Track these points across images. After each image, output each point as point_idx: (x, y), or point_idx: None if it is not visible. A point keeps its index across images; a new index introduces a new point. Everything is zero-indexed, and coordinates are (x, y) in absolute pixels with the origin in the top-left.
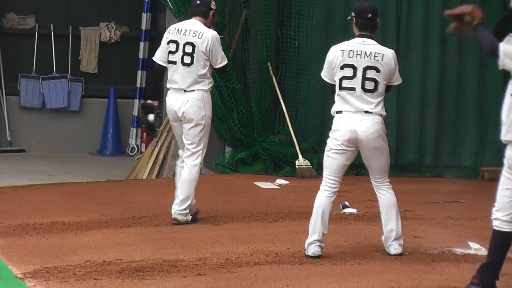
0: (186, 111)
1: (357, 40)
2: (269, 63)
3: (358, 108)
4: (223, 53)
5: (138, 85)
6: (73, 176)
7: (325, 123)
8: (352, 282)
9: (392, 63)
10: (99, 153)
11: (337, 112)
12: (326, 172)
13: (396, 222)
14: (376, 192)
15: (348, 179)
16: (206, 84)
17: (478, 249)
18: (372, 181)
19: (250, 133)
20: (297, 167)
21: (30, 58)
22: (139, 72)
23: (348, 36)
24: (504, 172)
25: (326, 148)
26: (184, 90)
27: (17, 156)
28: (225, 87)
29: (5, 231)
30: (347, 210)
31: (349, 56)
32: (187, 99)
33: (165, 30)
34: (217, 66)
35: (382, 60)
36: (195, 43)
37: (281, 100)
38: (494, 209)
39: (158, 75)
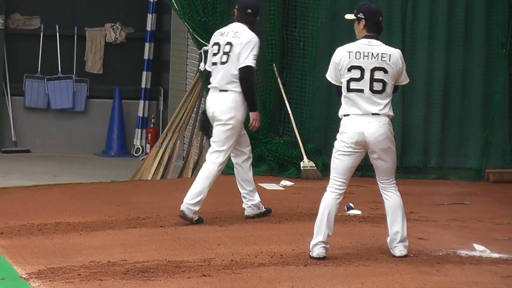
0: (215, 110)
1: (364, 41)
2: (274, 65)
3: (365, 111)
4: (254, 56)
5: (143, 86)
6: (78, 177)
7: (330, 124)
8: (357, 283)
9: (399, 63)
10: (104, 154)
11: (345, 115)
12: (333, 174)
13: (402, 224)
14: (382, 194)
15: (353, 180)
16: (239, 86)
17: (483, 251)
18: (378, 183)
19: (255, 134)
20: (302, 168)
21: (35, 59)
22: (144, 73)
23: (354, 37)
24: None
25: (334, 150)
26: (220, 90)
27: (22, 157)
28: None
29: (10, 232)
30: (352, 212)
31: (356, 58)
32: (219, 99)
33: (170, 31)
34: (240, 65)
35: (389, 61)
36: (233, 43)
37: (286, 102)
38: None
39: (208, 77)
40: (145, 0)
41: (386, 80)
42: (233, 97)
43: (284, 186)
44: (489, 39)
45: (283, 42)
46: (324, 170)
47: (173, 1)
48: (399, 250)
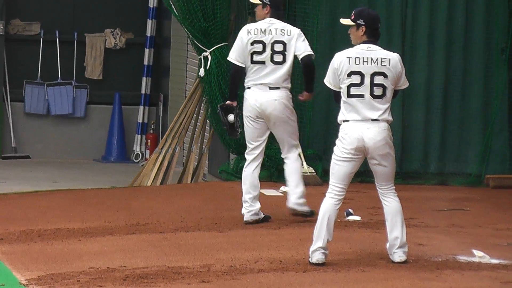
0: (275, 109)
1: (362, 46)
2: None
3: (365, 117)
4: (307, 44)
5: (143, 91)
6: (78, 183)
7: (330, 130)
8: None
9: (399, 67)
10: (103, 160)
11: (344, 121)
12: (333, 180)
13: (401, 229)
14: (382, 200)
15: (353, 186)
16: (289, 82)
17: (482, 256)
18: (377, 188)
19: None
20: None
21: (35, 65)
22: (144, 79)
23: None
24: None
25: (333, 156)
26: (270, 88)
27: (22, 163)
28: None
29: (10, 237)
30: (351, 217)
31: (355, 63)
32: (274, 97)
33: (170, 37)
34: (304, 54)
35: (389, 65)
36: (285, 41)
37: None
38: None
39: (237, 76)
40: (145, 5)
41: (386, 85)
42: (286, 94)
43: (284, 192)
44: (489, 44)
45: None
46: (323, 175)
47: (173, 6)
48: (398, 255)
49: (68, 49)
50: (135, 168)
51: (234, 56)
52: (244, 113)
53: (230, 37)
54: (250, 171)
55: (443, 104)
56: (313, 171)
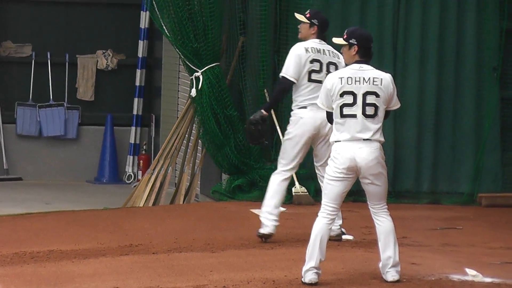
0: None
1: (355, 66)
2: (265, 90)
3: (357, 137)
4: None
5: (135, 112)
6: (70, 204)
7: None
8: None
9: (390, 87)
10: (96, 181)
11: (336, 141)
12: (325, 200)
13: (393, 249)
14: (374, 219)
15: (345, 205)
16: None
17: (475, 275)
18: (370, 208)
19: (247, 160)
20: (294, 194)
21: (27, 86)
22: (135, 100)
23: None
24: None
25: (326, 176)
26: None
27: (14, 185)
28: (222, 114)
29: (2, 260)
30: (344, 237)
31: (348, 83)
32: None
33: (162, 58)
34: None
35: (381, 84)
36: (336, 63)
37: (278, 127)
38: None
39: (286, 92)
40: (137, 26)
41: (378, 104)
42: None
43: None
44: (481, 63)
45: (275, 68)
46: (316, 195)
47: (165, 27)
48: (391, 275)
49: (59, 71)
50: (127, 189)
51: (291, 73)
52: (293, 131)
53: (222, 58)
54: (285, 187)
55: (435, 123)
56: (306, 190)
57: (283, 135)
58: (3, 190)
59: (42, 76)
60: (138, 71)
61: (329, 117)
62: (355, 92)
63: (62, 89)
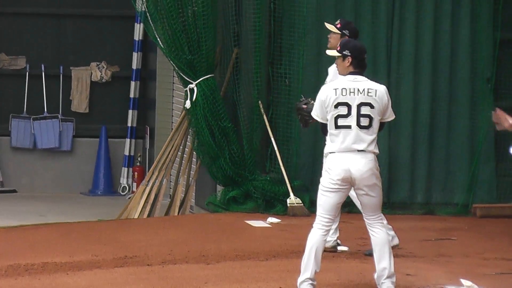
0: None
1: (349, 77)
2: (260, 102)
3: (352, 148)
4: None
5: (129, 124)
6: (65, 216)
7: (317, 161)
8: None
9: (385, 98)
10: (90, 193)
11: (331, 152)
12: (320, 211)
13: (389, 260)
14: (369, 230)
15: (340, 217)
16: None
17: (470, 286)
18: (364, 219)
19: (241, 171)
20: (288, 205)
21: (21, 99)
22: (130, 112)
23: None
24: None
25: (320, 187)
26: None
27: (9, 197)
28: (216, 126)
29: None
30: (339, 248)
31: (342, 94)
32: None
33: (156, 69)
34: None
35: (375, 96)
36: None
37: (272, 139)
38: None
39: None
40: (131, 38)
41: (372, 115)
42: None
43: (271, 223)
44: (474, 74)
45: (269, 79)
46: (311, 206)
47: (159, 39)
48: (386, 286)
49: (54, 83)
50: (122, 201)
51: None
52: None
53: (216, 69)
54: None
55: (430, 134)
56: (300, 202)
57: (277, 146)
58: None
59: (37, 88)
60: (133, 83)
61: (324, 128)
62: (350, 103)
63: (56, 101)
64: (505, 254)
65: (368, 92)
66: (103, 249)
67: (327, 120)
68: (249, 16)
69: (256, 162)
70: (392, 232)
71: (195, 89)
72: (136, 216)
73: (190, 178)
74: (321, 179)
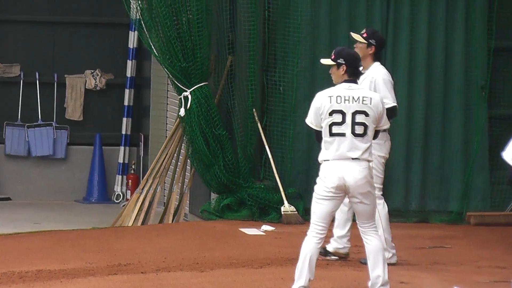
0: None
1: (344, 85)
2: (254, 109)
3: (346, 156)
4: None
5: (123, 132)
6: (59, 224)
7: (311, 168)
8: None
9: (380, 106)
10: (84, 201)
11: (325, 160)
12: (314, 219)
13: (383, 268)
14: (363, 238)
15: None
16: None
17: None
18: (358, 227)
19: (235, 179)
20: (282, 213)
21: (15, 106)
22: (124, 119)
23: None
24: None
25: (314, 195)
26: None
27: (3, 204)
28: (210, 134)
29: None
30: (333, 256)
31: (337, 102)
32: None
33: (150, 77)
34: None
35: (370, 104)
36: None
37: (267, 146)
38: None
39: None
40: (125, 46)
41: (367, 123)
42: None
43: (265, 231)
44: (469, 82)
45: (263, 87)
46: (305, 214)
47: (153, 47)
48: None
49: (48, 91)
50: (116, 209)
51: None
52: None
53: (210, 77)
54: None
55: (424, 142)
56: (295, 209)
57: (271, 154)
58: None
59: (31, 96)
60: (127, 91)
61: (318, 136)
62: (344, 111)
63: (50, 109)
64: (499, 262)
65: (363, 100)
66: (97, 257)
67: (322, 127)
68: (243, 24)
69: (250, 170)
70: (393, 251)
71: (190, 97)
72: (130, 224)
73: (184, 186)
74: (315, 187)
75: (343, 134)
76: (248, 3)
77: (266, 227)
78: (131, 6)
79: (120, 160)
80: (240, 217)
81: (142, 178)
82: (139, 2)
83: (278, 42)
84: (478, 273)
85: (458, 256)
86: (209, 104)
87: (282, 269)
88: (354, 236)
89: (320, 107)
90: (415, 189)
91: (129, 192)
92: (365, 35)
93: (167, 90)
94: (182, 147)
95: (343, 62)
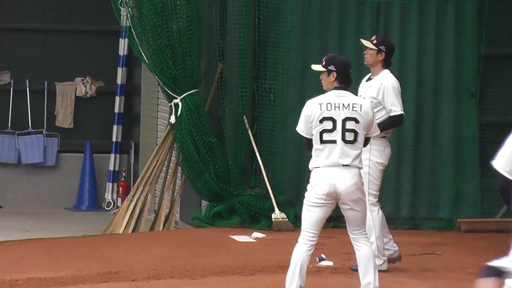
0: None
1: (334, 92)
2: (245, 117)
3: (337, 162)
4: None
5: (114, 139)
6: (50, 232)
7: (302, 176)
8: None
9: (370, 113)
10: (75, 208)
11: (315, 167)
12: (305, 226)
13: (373, 275)
14: (354, 245)
15: (325, 231)
16: None
17: None
18: (349, 234)
19: (226, 186)
20: (273, 220)
21: (6, 114)
22: (115, 127)
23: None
24: None
25: (305, 202)
26: None
27: None
28: (201, 141)
29: None
30: (323, 263)
31: (327, 109)
32: None
33: (141, 84)
34: None
35: (360, 110)
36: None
37: (257, 153)
38: None
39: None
40: (115, 54)
41: (357, 130)
42: None
43: (256, 238)
44: (459, 89)
45: (254, 94)
46: (296, 221)
47: (143, 54)
48: None
49: (38, 98)
50: (106, 216)
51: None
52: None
53: (200, 84)
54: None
55: (414, 149)
56: (285, 216)
57: (262, 161)
58: None
59: (21, 103)
60: (117, 98)
61: (308, 143)
62: (335, 118)
63: (41, 116)
64: None
65: (353, 107)
66: (88, 265)
67: (312, 135)
68: (234, 31)
69: (241, 177)
70: (384, 258)
71: (180, 104)
72: (120, 232)
73: (175, 193)
74: (306, 194)
75: (334, 141)
76: (238, 10)
77: (257, 235)
78: (121, 13)
79: (111, 168)
80: (230, 224)
81: (133, 185)
82: (130, 9)
83: (269, 50)
84: (469, 280)
85: (449, 263)
86: (199, 112)
87: (273, 277)
88: (345, 243)
89: (311, 115)
90: (405, 196)
91: (119, 199)
92: (375, 41)
93: (158, 98)
94: (173, 154)
95: (334, 69)
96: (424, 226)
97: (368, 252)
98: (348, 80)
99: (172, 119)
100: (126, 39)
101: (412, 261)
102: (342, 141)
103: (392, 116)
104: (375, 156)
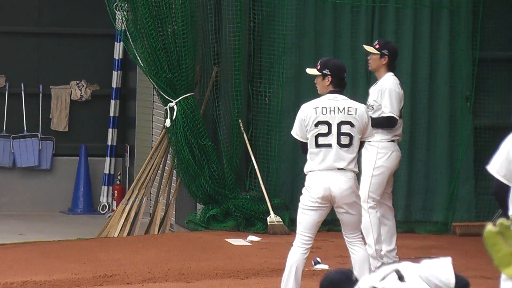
0: None
1: (329, 96)
2: (240, 120)
3: (332, 166)
4: None
5: (109, 143)
6: (44, 235)
7: (297, 179)
8: None
9: (365, 117)
10: (70, 212)
11: (311, 171)
12: (300, 229)
13: None
14: (349, 248)
15: (320, 235)
16: None
17: None
18: (344, 237)
19: (221, 190)
20: (268, 223)
21: (1, 117)
22: (110, 130)
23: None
24: None
25: (300, 205)
26: None
27: None
28: (196, 144)
29: None
30: (319, 266)
31: (322, 113)
32: None
33: (136, 88)
34: None
35: (355, 114)
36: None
37: (252, 157)
38: None
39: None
40: (110, 57)
41: (352, 134)
42: None
43: (251, 242)
44: (453, 92)
45: (249, 98)
46: (291, 225)
47: (138, 58)
48: None
49: (33, 102)
50: (101, 220)
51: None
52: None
53: (195, 88)
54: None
55: (409, 152)
56: (280, 220)
57: (257, 164)
58: None
59: (16, 107)
60: (112, 102)
61: (304, 147)
62: (330, 121)
63: (36, 120)
64: (484, 272)
65: (348, 110)
66: (83, 268)
67: (307, 139)
68: (229, 35)
69: (236, 180)
70: (382, 260)
71: (175, 107)
72: (116, 235)
73: (170, 197)
74: (301, 197)
75: (329, 145)
76: (233, 14)
77: (252, 238)
78: (116, 17)
79: (106, 171)
80: (226, 227)
81: (128, 188)
82: (125, 13)
83: (264, 53)
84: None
85: None
86: (194, 115)
87: (268, 280)
88: (340, 246)
89: (305, 119)
90: (400, 200)
91: (114, 203)
92: (377, 46)
93: (153, 101)
94: (168, 157)
95: (329, 73)
96: (419, 229)
97: (363, 255)
98: (343, 84)
99: (167, 122)
100: (121, 42)
101: None
102: (337, 145)
103: (382, 116)
104: (381, 160)
